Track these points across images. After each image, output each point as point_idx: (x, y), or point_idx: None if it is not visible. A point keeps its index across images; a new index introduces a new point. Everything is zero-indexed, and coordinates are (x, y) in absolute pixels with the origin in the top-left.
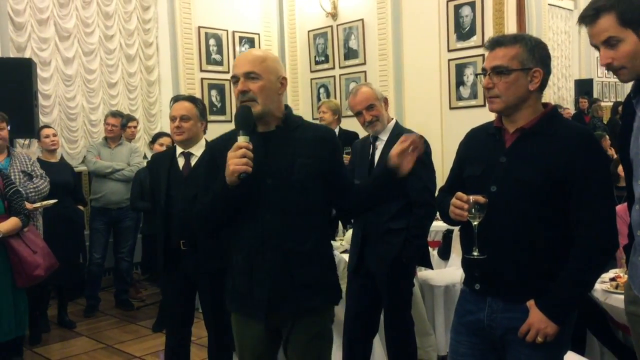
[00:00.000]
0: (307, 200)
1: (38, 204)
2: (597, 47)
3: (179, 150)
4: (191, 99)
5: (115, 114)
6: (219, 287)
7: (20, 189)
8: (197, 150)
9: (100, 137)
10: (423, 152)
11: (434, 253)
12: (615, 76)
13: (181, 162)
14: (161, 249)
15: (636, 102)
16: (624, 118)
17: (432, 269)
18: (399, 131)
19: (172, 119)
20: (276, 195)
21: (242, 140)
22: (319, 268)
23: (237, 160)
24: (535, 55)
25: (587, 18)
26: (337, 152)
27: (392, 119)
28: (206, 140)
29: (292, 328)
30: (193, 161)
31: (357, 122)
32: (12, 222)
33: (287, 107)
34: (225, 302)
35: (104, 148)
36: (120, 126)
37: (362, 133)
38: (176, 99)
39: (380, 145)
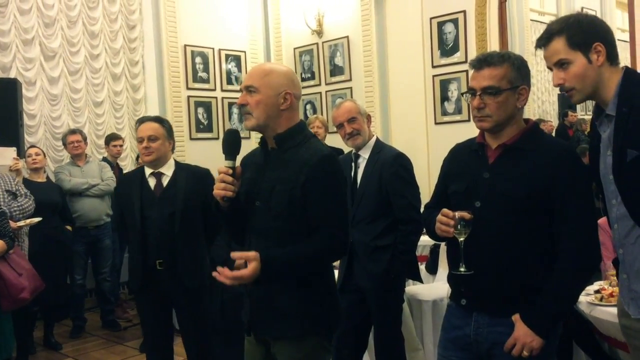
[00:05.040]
0: (286, 227)
1: (22, 223)
2: (551, 69)
3: (148, 170)
4: (157, 119)
5: (75, 131)
6: (197, 305)
7: (5, 209)
8: (167, 170)
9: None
10: (401, 168)
11: (421, 268)
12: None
13: (152, 182)
14: (140, 269)
15: (598, 124)
16: (591, 140)
17: (422, 282)
18: (380, 148)
19: (140, 140)
20: (261, 219)
21: (224, 164)
22: (298, 297)
23: (216, 185)
24: (522, 73)
25: (542, 41)
26: (317, 180)
27: (374, 135)
28: (175, 160)
29: (275, 352)
30: (164, 181)
31: (342, 140)
32: None
33: (299, 123)
34: (204, 320)
35: (73, 168)
36: (83, 140)
37: (347, 149)
38: (142, 120)
39: (362, 164)
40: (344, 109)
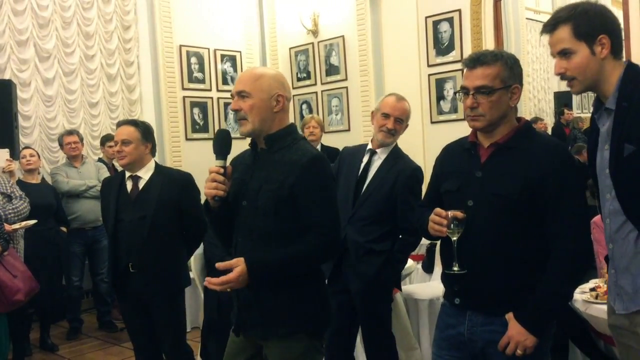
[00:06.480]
0: (272, 226)
1: (17, 225)
2: (554, 57)
3: (127, 174)
4: (132, 122)
5: (72, 132)
6: (171, 308)
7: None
8: (145, 173)
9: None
10: (416, 182)
11: (418, 267)
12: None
13: (129, 185)
14: (111, 272)
15: (597, 117)
16: (589, 134)
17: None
18: (398, 154)
19: (115, 144)
20: (247, 218)
21: (214, 164)
22: (286, 296)
23: (207, 184)
24: (514, 72)
25: (547, 27)
26: (307, 180)
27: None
28: (156, 163)
29: (268, 353)
30: (141, 184)
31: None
32: None
33: (289, 126)
34: (179, 324)
35: (70, 169)
36: (80, 141)
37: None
38: (119, 123)
39: (376, 162)
40: (402, 106)
